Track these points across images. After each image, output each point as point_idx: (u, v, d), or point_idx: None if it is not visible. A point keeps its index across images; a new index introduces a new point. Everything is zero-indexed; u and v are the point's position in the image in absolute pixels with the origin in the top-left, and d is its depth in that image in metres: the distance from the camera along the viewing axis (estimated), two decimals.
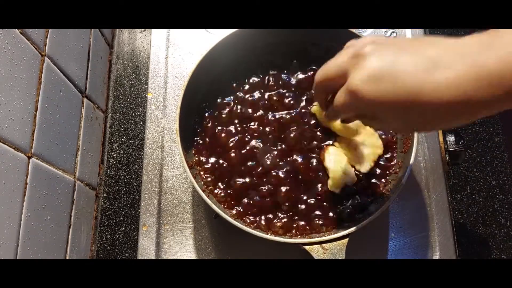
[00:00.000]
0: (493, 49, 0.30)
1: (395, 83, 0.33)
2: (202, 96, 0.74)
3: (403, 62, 0.34)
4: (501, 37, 0.30)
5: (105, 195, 0.84)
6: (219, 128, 0.72)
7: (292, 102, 0.73)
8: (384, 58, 0.36)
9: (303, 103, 0.73)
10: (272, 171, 0.69)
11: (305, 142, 0.70)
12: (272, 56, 0.75)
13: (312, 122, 0.72)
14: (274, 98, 0.73)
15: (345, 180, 0.66)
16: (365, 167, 0.68)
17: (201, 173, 0.70)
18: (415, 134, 0.65)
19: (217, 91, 0.75)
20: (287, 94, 0.73)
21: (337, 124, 0.68)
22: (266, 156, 0.70)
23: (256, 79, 0.75)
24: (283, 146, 0.70)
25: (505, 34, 0.30)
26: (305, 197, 0.68)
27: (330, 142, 0.70)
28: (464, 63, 0.31)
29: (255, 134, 0.71)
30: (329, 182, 0.67)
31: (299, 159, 0.69)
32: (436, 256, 0.73)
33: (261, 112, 0.73)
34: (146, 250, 0.75)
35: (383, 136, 0.71)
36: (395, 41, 0.39)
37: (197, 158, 0.71)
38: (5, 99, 0.56)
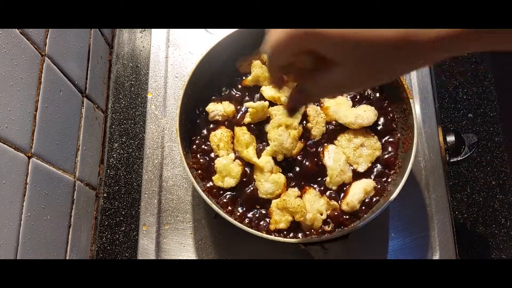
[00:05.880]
0: None
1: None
2: (202, 96, 0.74)
3: None
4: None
5: (105, 195, 0.84)
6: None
7: None
8: None
9: None
10: None
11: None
12: None
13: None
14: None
15: (342, 178, 0.67)
16: (363, 167, 0.69)
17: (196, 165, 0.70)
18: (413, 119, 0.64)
19: (217, 91, 0.75)
20: None
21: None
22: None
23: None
24: None
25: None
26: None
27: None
28: None
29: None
30: (327, 179, 0.68)
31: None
32: (436, 256, 0.73)
33: None
34: (146, 250, 0.75)
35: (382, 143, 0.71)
36: None
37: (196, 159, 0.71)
38: (5, 99, 0.56)
